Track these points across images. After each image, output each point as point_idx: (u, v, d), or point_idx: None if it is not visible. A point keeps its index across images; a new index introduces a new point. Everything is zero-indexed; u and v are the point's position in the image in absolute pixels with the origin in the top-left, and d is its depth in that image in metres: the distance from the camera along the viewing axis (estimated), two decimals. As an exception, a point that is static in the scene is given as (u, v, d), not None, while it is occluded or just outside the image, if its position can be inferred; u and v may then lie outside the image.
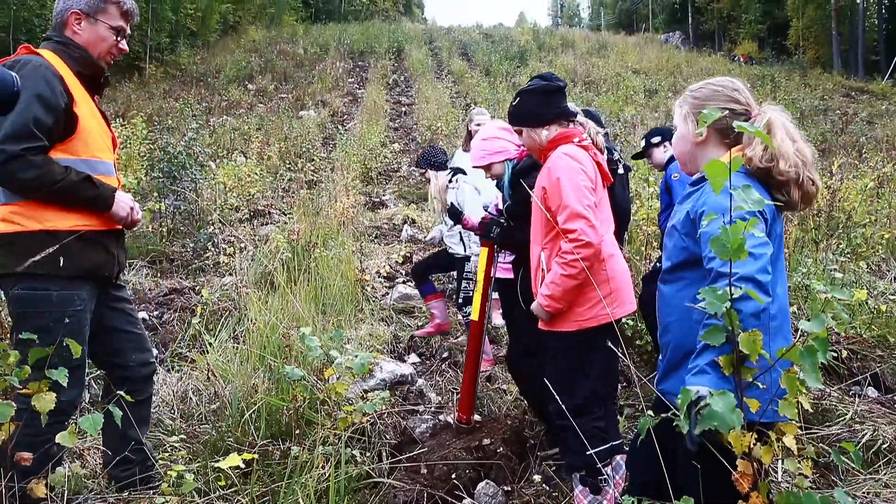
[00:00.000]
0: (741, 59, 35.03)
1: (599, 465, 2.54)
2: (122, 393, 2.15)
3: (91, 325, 2.44)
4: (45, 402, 2.00)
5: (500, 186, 3.23)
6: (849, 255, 6.15)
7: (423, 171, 5.35)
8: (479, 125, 5.48)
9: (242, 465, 1.86)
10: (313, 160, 12.55)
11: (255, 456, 2.12)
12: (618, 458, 2.65)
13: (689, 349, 1.90)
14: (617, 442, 2.66)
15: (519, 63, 26.91)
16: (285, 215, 8.79)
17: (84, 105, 2.39)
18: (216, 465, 1.93)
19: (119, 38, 2.48)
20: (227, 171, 9.52)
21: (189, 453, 2.84)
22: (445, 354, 4.98)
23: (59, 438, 1.95)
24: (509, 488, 2.85)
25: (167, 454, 2.69)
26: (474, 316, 3.20)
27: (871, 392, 4.32)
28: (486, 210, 3.36)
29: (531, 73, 24.96)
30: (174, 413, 3.37)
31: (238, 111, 18.70)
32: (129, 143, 10.73)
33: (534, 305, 2.65)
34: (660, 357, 2.09)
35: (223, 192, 8.81)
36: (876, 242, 6.60)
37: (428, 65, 25.87)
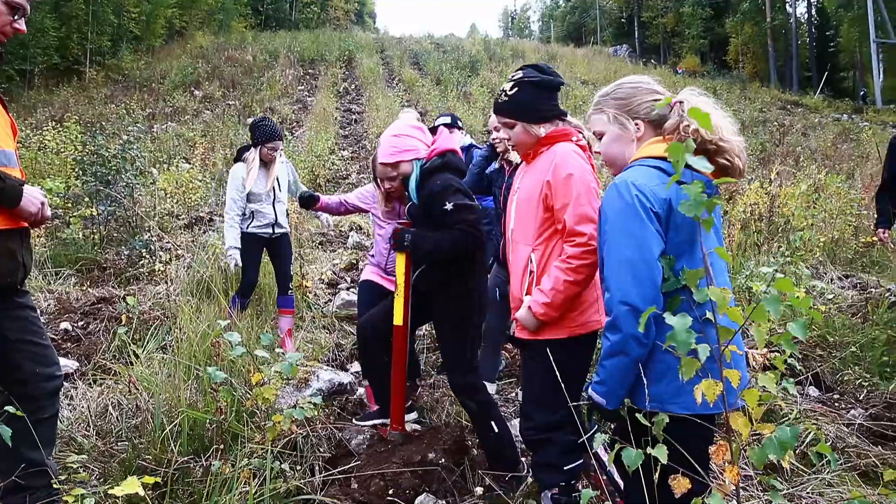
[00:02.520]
0: (685, 72, 36.11)
1: (574, 482, 2.43)
2: (10, 409, 1.91)
3: None
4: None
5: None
6: (789, 258, 6.27)
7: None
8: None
9: (141, 492, 1.66)
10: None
11: (158, 480, 1.91)
12: (580, 486, 2.54)
13: None
14: (582, 459, 2.52)
15: (470, 73, 27.02)
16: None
17: None
18: (111, 491, 1.73)
19: (16, 17, 2.25)
20: (168, 177, 9.15)
21: (101, 474, 2.60)
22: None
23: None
24: (450, 500, 2.71)
25: (65, 476, 2.44)
26: (397, 321, 3.09)
27: (813, 391, 4.37)
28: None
29: (482, 82, 25.13)
30: (90, 430, 3.12)
31: (183, 118, 18.15)
32: (64, 148, 10.24)
33: (521, 313, 2.44)
34: None
35: (162, 198, 8.45)
36: (814, 245, 6.75)
37: (379, 73, 25.75)
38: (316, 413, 2.45)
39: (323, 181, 12.45)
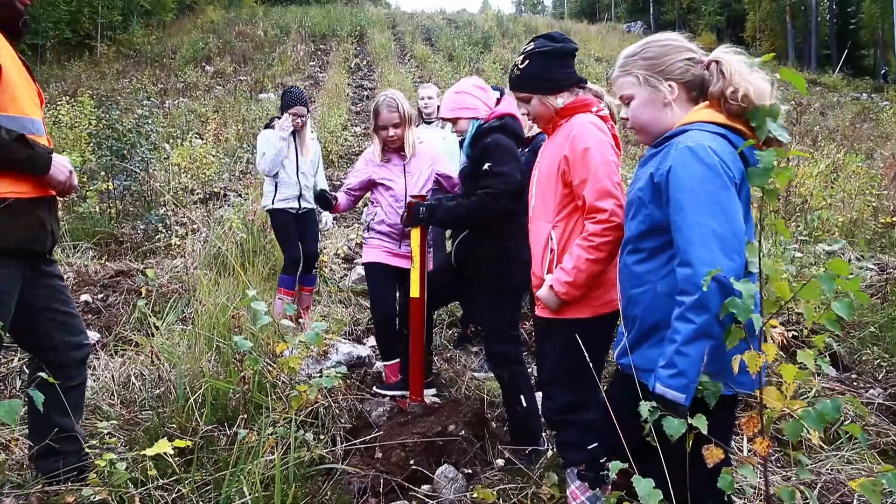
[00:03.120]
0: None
1: (601, 460, 2.37)
2: (43, 375, 1.94)
3: (16, 304, 2.21)
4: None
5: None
6: (806, 237, 6.21)
7: None
8: (429, 97, 5.37)
9: (171, 452, 1.69)
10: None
11: (189, 443, 1.94)
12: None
13: (656, 322, 1.82)
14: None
15: (482, 49, 26.71)
16: (241, 197, 8.50)
17: (5, 53, 2.12)
18: (143, 452, 1.75)
19: None
20: (182, 152, 9.15)
21: (127, 441, 2.64)
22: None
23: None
24: (470, 471, 2.74)
25: (95, 442, 2.48)
26: (414, 293, 3.11)
27: (831, 371, 4.36)
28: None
29: (494, 58, 24.84)
30: (114, 399, 3.16)
31: (195, 93, 18.08)
32: (78, 123, 10.25)
33: (543, 292, 2.38)
34: (621, 329, 1.98)
35: (177, 172, 8.46)
36: (832, 225, 6.68)
37: (391, 49, 25.50)
38: (340, 383, 2.47)
39: (335, 157, 12.41)
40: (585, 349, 2.31)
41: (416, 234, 3.08)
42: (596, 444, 2.36)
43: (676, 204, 1.70)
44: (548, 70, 2.47)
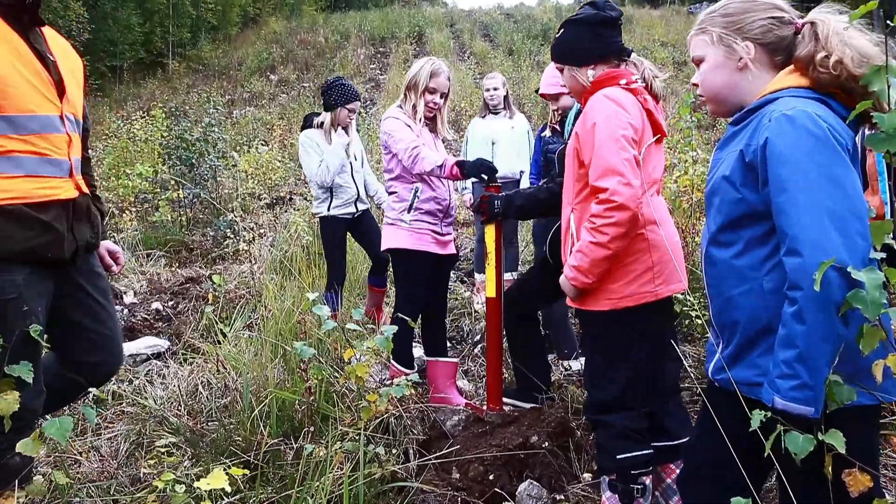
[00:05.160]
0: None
1: (634, 473, 2.13)
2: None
3: (48, 313, 2.05)
4: (8, 403, 1.70)
5: (559, 130, 2.91)
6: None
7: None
8: (495, 88, 5.15)
9: (228, 487, 1.52)
10: (336, 146, 12.25)
11: (245, 472, 1.77)
12: (647, 480, 2.24)
13: (763, 326, 1.50)
14: (648, 451, 2.20)
15: (542, 42, 26.23)
16: (308, 201, 8.50)
17: None
18: (197, 485, 1.60)
19: None
20: (248, 159, 9.27)
21: (192, 455, 2.53)
22: (478, 338, 4.62)
23: (20, 447, 1.65)
24: (556, 487, 2.48)
25: (155, 461, 2.37)
26: (490, 293, 2.86)
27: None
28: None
29: (556, 50, 24.37)
30: (181, 409, 3.07)
31: (260, 102, 18.52)
32: (151, 137, 10.56)
33: (561, 279, 2.23)
34: (713, 338, 1.67)
35: (243, 179, 8.55)
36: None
37: (450, 47, 25.40)
38: (412, 391, 2.27)
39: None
40: (614, 345, 2.16)
41: (490, 229, 2.84)
42: (627, 455, 2.12)
43: (779, 183, 1.41)
44: (581, 39, 2.28)
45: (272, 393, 2.62)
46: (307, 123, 4.64)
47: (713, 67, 1.65)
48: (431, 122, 3.37)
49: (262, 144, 12.07)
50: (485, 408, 2.87)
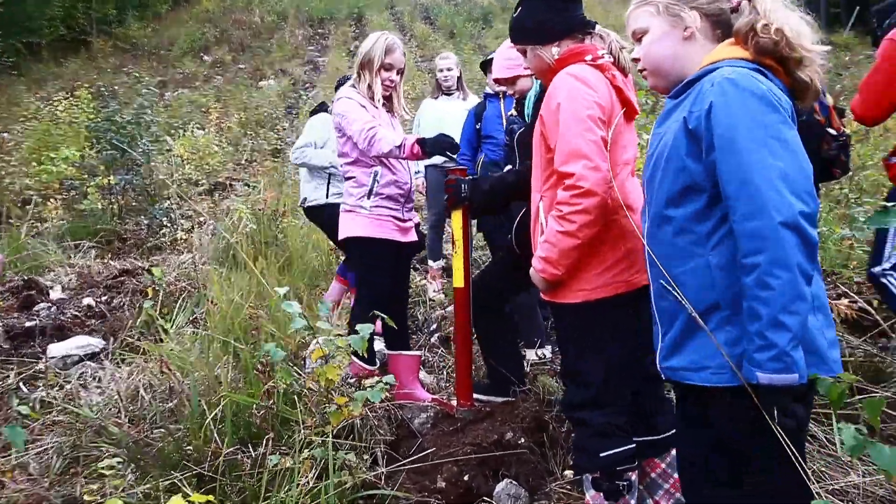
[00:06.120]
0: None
1: (618, 469, 2.03)
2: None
3: None
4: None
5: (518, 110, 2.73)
6: (855, 200, 5.80)
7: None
8: (449, 69, 4.98)
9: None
10: (275, 129, 11.82)
11: (210, 498, 1.57)
12: (674, 451, 2.16)
13: (711, 304, 1.44)
14: (630, 446, 2.08)
15: (483, 25, 26.12)
16: (249, 187, 8.14)
17: None
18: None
19: None
20: (184, 143, 8.79)
21: (137, 468, 2.29)
22: (433, 327, 4.48)
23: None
24: (532, 486, 2.37)
25: (93, 478, 2.12)
26: (458, 282, 2.72)
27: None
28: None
29: (497, 34, 24.24)
30: (122, 416, 2.81)
31: (194, 84, 17.72)
32: (76, 119, 9.89)
33: (531, 271, 2.09)
34: (657, 323, 1.60)
35: (179, 164, 8.10)
36: (881, 185, 6.24)
37: (390, 29, 24.97)
38: (387, 394, 2.10)
39: (342, 142, 12.02)
40: (588, 339, 2.05)
41: (457, 215, 2.68)
42: (610, 453, 2.01)
43: (726, 146, 1.37)
44: (539, 16, 2.14)
45: (227, 396, 2.40)
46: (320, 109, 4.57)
47: (657, 38, 1.60)
48: (388, 101, 3.18)
49: (198, 128, 11.52)
50: (455, 404, 2.73)
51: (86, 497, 1.85)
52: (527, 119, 2.61)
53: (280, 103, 15.06)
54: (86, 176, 7.19)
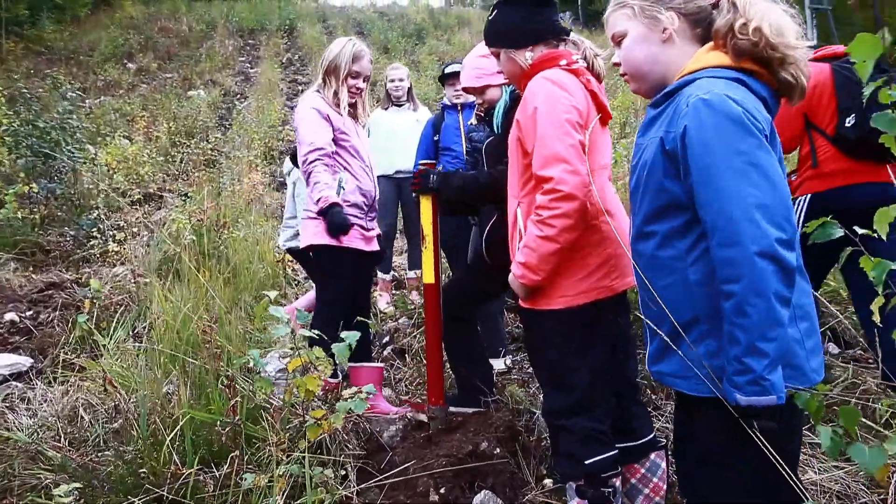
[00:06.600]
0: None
1: (603, 476, 2.01)
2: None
3: None
4: None
5: (485, 119, 2.69)
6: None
7: None
8: (400, 79, 4.95)
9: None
10: (208, 139, 11.41)
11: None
12: (653, 455, 2.17)
13: (689, 319, 1.46)
14: (614, 452, 2.07)
15: (417, 41, 26.28)
16: (182, 198, 7.79)
17: None
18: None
19: None
20: (112, 151, 8.33)
21: (83, 495, 2.09)
22: (386, 340, 4.38)
23: None
24: (509, 496, 2.32)
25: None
26: (428, 278, 2.68)
27: (832, 348, 4.23)
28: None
29: (430, 50, 24.42)
30: (60, 440, 2.58)
31: (117, 92, 16.91)
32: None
33: (510, 277, 2.06)
34: (646, 328, 1.62)
35: (106, 173, 7.65)
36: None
37: (323, 42, 24.65)
38: (367, 406, 2.00)
39: (276, 153, 11.72)
40: (570, 345, 2.02)
41: (426, 206, 2.65)
42: (595, 459, 2.00)
43: (701, 174, 1.36)
44: (514, 21, 2.16)
45: (187, 413, 2.23)
46: None
47: (636, 41, 1.58)
48: (352, 108, 3.10)
49: (124, 137, 10.98)
50: (425, 405, 2.67)
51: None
52: (497, 129, 2.59)
53: (211, 114, 14.59)
54: (1, 184, 6.69)
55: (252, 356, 1.87)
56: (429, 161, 2.76)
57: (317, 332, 1.99)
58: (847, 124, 2.73)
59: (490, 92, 2.66)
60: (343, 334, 1.92)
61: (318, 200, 2.87)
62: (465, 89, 2.77)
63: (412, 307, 4.87)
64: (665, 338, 1.51)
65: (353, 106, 3.10)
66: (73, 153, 6.65)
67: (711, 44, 1.51)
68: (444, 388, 2.70)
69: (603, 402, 2.08)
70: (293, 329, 1.85)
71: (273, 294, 1.96)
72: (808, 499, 1.39)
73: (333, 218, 2.85)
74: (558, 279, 2.00)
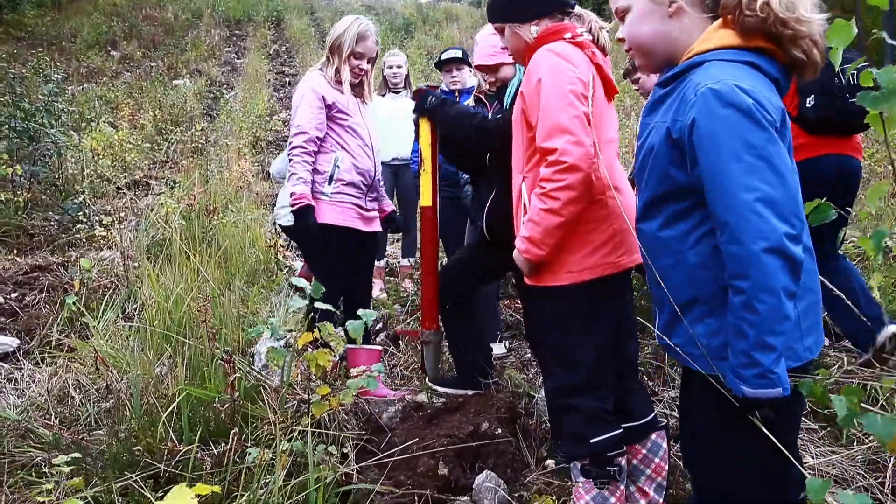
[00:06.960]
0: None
1: (608, 455, 2.00)
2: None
3: None
4: None
5: (497, 96, 2.67)
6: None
7: None
8: (399, 66, 4.90)
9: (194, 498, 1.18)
10: (194, 127, 11.28)
11: (217, 489, 1.40)
12: (653, 436, 2.16)
13: (689, 299, 1.46)
14: (619, 431, 2.05)
15: (405, 35, 26.19)
16: (169, 185, 7.68)
17: None
18: None
19: None
20: (97, 137, 8.19)
21: (79, 474, 2.04)
22: (379, 326, 4.35)
23: None
24: (510, 477, 2.30)
25: (52, 485, 1.87)
26: (425, 201, 2.71)
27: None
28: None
29: (419, 44, 24.35)
30: (50, 418, 2.53)
31: (101, 79, 16.66)
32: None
33: (514, 253, 2.03)
34: (655, 307, 1.62)
35: (91, 159, 7.52)
36: None
37: (311, 34, 24.56)
38: (377, 384, 1.96)
39: (264, 143, 11.62)
40: (575, 323, 2.00)
41: (425, 127, 2.65)
42: (601, 438, 1.99)
43: (710, 167, 1.33)
44: None
45: (185, 390, 2.19)
46: None
47: (641, 15, 1.52)
48: (357, 88, 3.05)
49: (108, 125, 10.81)
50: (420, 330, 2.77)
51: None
52: (506, 107, 2.57)
53: (197, 103, 14.43)
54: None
55: (265, 328, 1.82)
56: (433, 85, 2.79)
57: (324, 305, 1.96)
58: (808, 105, 2.81)
59: (503, 70, 2.63)
60: (360, 312, 1.90)
61: (292, 195, 2.87)
62: (478, 67, 2.73)
63: (405, 294, 4.84)
64: (676, 308, 1.49)
65: (358, 86, 3.06)
66: (59, 137, 6.52)
67: (721, 21, 1.45)
68: (437, 311, 2.75)
69: (607, 379, 2.07)
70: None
71: (300, 265, 1.92)
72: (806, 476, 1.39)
73: (300, 219, 2.88)
74: (564, 255, 1.98)
